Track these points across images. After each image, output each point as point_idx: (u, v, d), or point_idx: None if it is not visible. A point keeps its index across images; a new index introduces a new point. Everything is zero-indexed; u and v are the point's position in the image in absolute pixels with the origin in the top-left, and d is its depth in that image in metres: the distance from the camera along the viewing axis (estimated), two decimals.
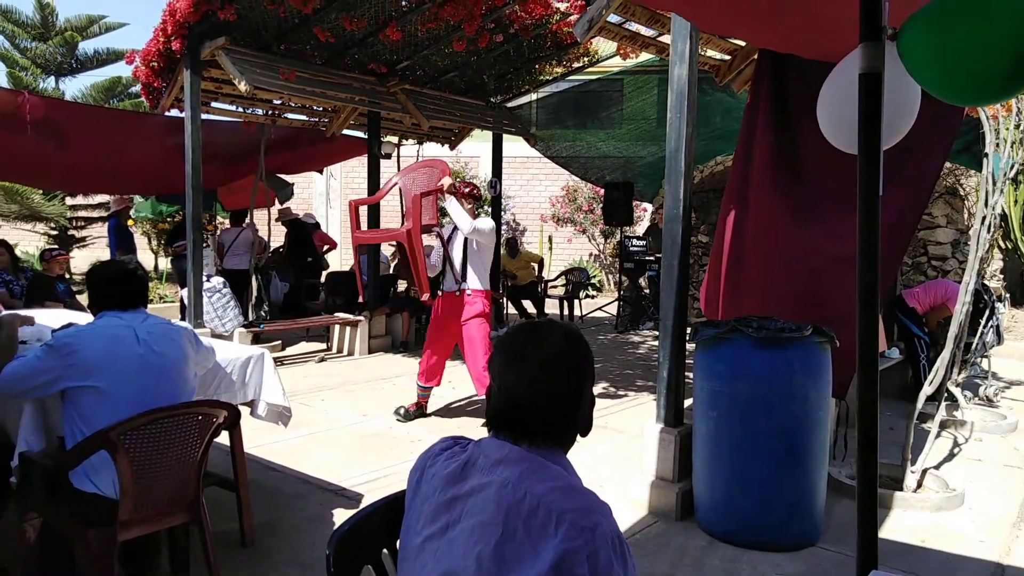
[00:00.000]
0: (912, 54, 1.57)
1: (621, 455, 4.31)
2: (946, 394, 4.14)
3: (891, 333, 6.29)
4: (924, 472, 3.88)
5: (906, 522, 3.47)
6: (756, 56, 4.17)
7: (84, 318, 3.13)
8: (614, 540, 1.16)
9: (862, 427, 1.54)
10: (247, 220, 8.57)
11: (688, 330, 3.61)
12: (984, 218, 3.85)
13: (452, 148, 9.96)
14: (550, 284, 11.16)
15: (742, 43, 5.15)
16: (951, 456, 4.52)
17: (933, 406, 4.22)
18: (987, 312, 5.47)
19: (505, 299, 10.00)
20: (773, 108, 3.82)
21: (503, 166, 9.75)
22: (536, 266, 10.73)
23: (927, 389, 3.88)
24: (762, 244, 3.73)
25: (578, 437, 1.32)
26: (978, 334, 5.30)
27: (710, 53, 5.29)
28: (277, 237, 9.72)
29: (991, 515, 3.59)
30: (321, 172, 12.06)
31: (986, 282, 6.86)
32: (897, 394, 6.03)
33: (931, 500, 3.65)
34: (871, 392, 1.53)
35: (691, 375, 3.49)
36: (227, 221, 10.02)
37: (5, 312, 2.97)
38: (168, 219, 12.31)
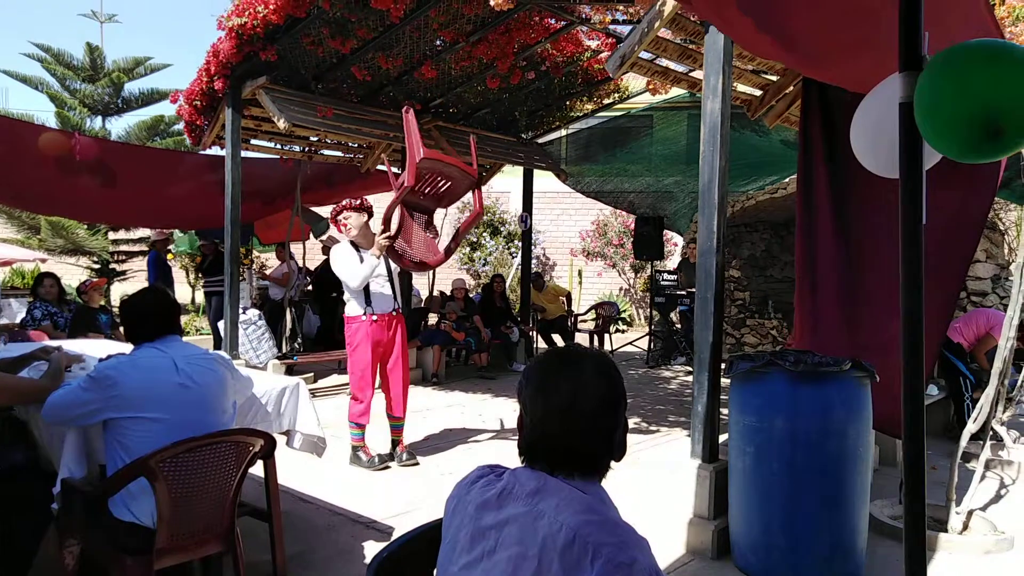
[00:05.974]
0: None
1: (653, 491, 4.23)
2: (991, 433, 4.00)
3: (931, 368, 6.12)
4: (970, 513, 3.75)
5: (953, 565, 3.35)
6: (801, 88, 4.17)
7: (126, 349, 3.20)
8: None
9: (908, 463, 1.49)
10: (282, 252, 8.74)
11: (723, 363, 3.57)
12: None
13: (483, 183, 10.07)
14: (580, 318, 11.12)
15: (774, 78, 5.16)
16: (998, 498, 4.36)
17: (977, 445, 4.09)
18: None
19: (535, 333, 9.98)
20: (824, 140, 3.82)
21: (533, 201, 9.84)
22: (564, 300, 10.72)
23: (971, 427, 3.76)
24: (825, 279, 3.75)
25: (612, 463, 1.30)
26: (1023, 371, 5.13)
27: (741, 88, 5.30)
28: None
29: None
30: None
31: None
32: (939, 432, 5.85)
33: (979, 543, 3.51)
34: (918, 426, 1.48)
35: (725, 410, 3.43)
36: (263, 255, 10.20)
37: (56, 346, 3.06)
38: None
